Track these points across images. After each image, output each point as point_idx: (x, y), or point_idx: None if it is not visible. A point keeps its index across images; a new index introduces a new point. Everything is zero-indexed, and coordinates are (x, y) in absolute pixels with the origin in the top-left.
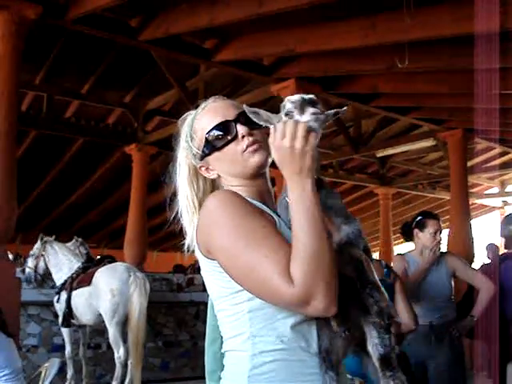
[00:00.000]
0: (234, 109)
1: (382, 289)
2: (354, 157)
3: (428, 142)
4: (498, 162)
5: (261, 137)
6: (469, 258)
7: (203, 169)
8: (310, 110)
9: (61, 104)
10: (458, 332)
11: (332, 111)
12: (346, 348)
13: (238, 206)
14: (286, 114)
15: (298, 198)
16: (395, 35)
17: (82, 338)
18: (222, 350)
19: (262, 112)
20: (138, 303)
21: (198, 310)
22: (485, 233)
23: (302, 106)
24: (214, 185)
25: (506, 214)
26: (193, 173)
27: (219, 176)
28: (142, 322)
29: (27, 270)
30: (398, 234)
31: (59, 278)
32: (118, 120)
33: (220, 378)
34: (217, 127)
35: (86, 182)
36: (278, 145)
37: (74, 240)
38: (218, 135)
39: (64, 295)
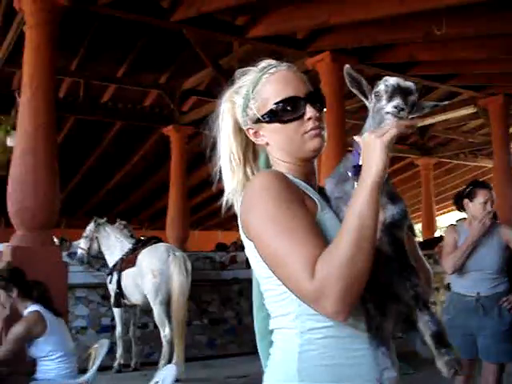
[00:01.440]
0: (305, 85)
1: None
2: None
3: (468, 110)
4: None
5: (323, 121)
6: None
7: (251, 131)
8: (396, 101)
9: (97, 89)
10: (510, 305)
11: (431, 103)
12: (394, 324)
13: (277, 192)
14: (375, 95)
15: (357, 195)
16: (430, 2)
17: (132, 317)
18: (270, 327)
19: (364, 82)
20: (178, 282)
21: (241, 288)
22: None
23: (392, 93)
24: (256, 144)
25: None
26: (237, 128)
27: (267, 144)
28: (182, 301)
29: (80, 251)
30: (441, 205)
31: (111, 260)
32: (154, 102)
33: (272, 343)
34: (287, 100)
35: (125, 165)
36: (381, 157)
37: (117, 223)
38: (286, 109)
39: (115, 276)
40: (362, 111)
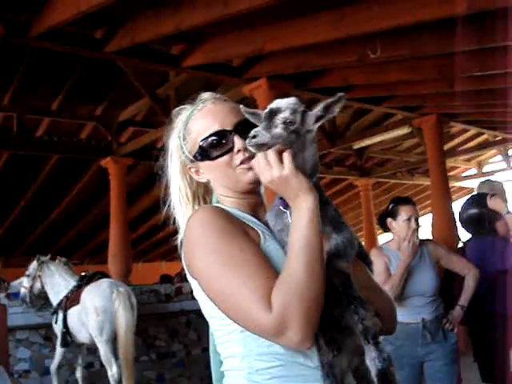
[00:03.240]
0: (233, 115)
1: (369, 305)
2: (331, 150)
3: (403, 130)
4: (473, 143)
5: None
6: (454, 241)
7: (193, 170)
8: (279, 118)
9: (31, 122)
10: (452, 324)
11: (320, 106)
12: (349, 361)
13: (219, 227)
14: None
15: (296, 222)
16: (364, 26)
17: (79, 357)
18: (221, 369)
19: (261, 113)
20: (123, 318)
21: (188, 319)
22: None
23: (270, 117)
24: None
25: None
26: (184, 167)
27: (208, 181)
28: (129, 337)
29: (23, 290)
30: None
31: (56, 298)
32: (91, 134)
33: None
34: (213, 135)
35: (64, 200)
36: (264, 180)
37: (57, 260)
38: (213, 144)
39: (60, 315)
40: None
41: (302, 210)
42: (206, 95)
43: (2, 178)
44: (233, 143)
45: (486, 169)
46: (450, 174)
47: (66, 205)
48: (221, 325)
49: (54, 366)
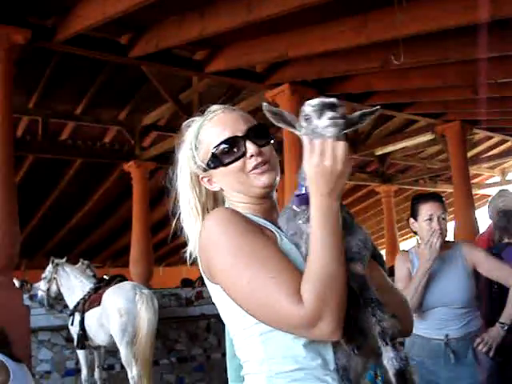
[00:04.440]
0: (243, 122)
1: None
2: (353, 157)
3: (426, 137)
4: (497, 150)
5: (270, 155)
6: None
7: (205, 180)
8: (328, 113)
9: (56, 126)
10: (486, 346)
11: (357, 113)
12: (364, 363)
13: (237, 225)
14: (306, 119)
15: (323, 218)
16: (387, 32)
17: (96, 359)
18: (241, 374)
19: (285, 113)
20: (145, 319)
21: (208, 323)
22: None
23: (321, 109)
24: (216, 192)
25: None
26: (195, 179)
27: (221, 189)
28: (150, 339)
29: (40, 293)
30: (403, 231)
31: (72, 300)
32: (114, 138)
33: None
34: (225, 142)
35: (87, 203)
36: (315, 163)
37: (80, 263)
38: (226, 151)
39: (77, 317)
40: None
41: (331, 208)
42: (214, 107)
43: (26, 181)
44: (245, 149)
45: (509, 176)
46: (474, 181)
47: (88, 208)
48: (241, 329)
49: (84, 377)
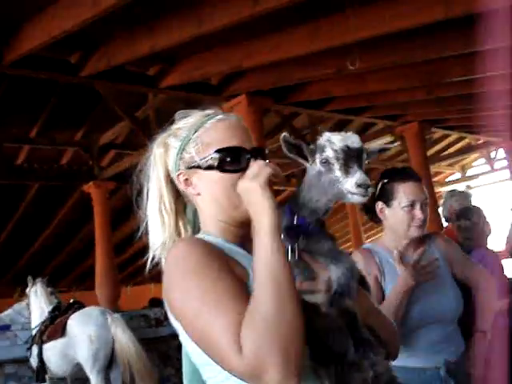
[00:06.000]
0: (249, 139)
1: (378, 348)
2: None
3: (385, 139)
4: (455, 148)
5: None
6: None
7: (182, 178)
8: (357, 177)
9: (11, 150)
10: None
11: (376, 148)
12: None
13: (200, 260)
14: (323, 162)
15: (258, 247)
16: (341, 38)
17: None
18: None
19: (305, 147)
20: (126, 339)
21: (179, 343)
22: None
23: (346, 161)
24: (184, 200)
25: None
26: (168, 175)
27: (199, 194)
28: (142, 358)
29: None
30: (369, 233)
31: (32, 330)
32: (71, 159)
33: None
34: (232, 149)
35: (47, 227)
36: (239, 186)
37: (38, 283)
38: (230, 157)
39: (35, 350)
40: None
41: (265, 230)
42: (225, 113)
43: None
44: (247, 165)
45: (469, 172)
46: (435, 179)
47: (49, 233)
48: (217, 372)
49: None
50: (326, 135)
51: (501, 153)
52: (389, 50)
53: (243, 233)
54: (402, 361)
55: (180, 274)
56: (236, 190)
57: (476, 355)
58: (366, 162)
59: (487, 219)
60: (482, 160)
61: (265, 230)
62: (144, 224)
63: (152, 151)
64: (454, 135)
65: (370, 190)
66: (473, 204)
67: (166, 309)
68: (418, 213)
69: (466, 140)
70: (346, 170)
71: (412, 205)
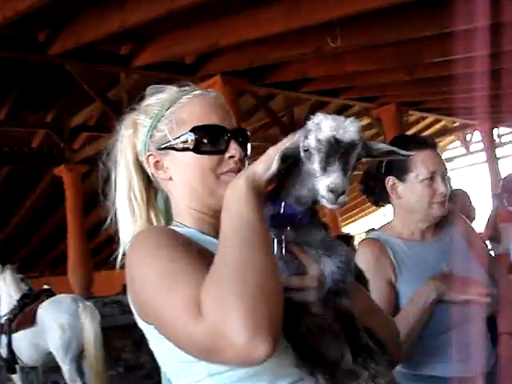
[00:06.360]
0: (231, 119)
1: (380, 355)
2: None
3: (362, 121)
4: (432, 130)
5: (244, 167)
6: None
7: (152, 160)
8: (332, 179)
9: None
10: None
11: (384, 148)
12: None
13: (161, 241)
14: (304, 150)
15: (236, 200)
16: (320, 15)
17: (35, 381)
18: None
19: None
20: (91, 331)
21: None
22: None
23: (328, 155)
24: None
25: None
26: (138, 158)
27: (171, 178)
28: (99, 351)
29: None
30: (345, 216)
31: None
32: (42, 142)
33: None
34: (211, 128)
35: (18, 212)
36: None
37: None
38: (207, 138)
39: (4, 340)
40: (261, 131)
41: (239, 183)
42: (202, 90)
43: None
44: (227, 147)
45: (445, 155)
46: None
47: (20, 217)
48: (191, 382)
49: None
50: (319, 117)
51: (476, 135)
52: (368, 29)
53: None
54: (430, 369)
55: (140, 258)
56: (213, 173)
57: (503, 360)
58: (364, 159)
59: (472, 203)
60: (458, 143)
61: (241, 183)
62: (113, 214)
63: (120, 133)
64: (431, 118)
65: (343, 198)
66: (459, 187)
67: (133, 311)
68: (440, 186)
69: (442, 123)
70: (325, 166)
71: (432, 177)
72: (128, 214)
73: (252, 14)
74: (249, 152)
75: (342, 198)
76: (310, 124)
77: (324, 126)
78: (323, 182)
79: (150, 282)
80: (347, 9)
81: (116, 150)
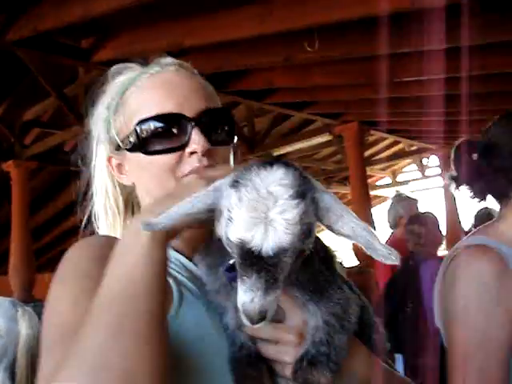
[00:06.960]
0: (198, 97)
1: None
2: (250, 157)
3: (323, 138)
4: (389, 152)
5: (222, 161)
6: None
7: (114, 162)
8: (245, 297)
9: None
10: None
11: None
12: None
13: (72, 267)
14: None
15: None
16: (294, 21)
17: None
18: None
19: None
20: (26, 337)
21: None
22: (379, 224)
23: (242, 265)
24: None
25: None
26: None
27: (134, 184)
28: (28, 359)
29: None
30: None
31: None
32: None
33: None
34: (159, 119)
35: None
36: None
37: None
38: (157, 132)
39: None
40: None
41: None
42: (168, 60)
43: None
44: (188, 139)
45: (400, 178)
46: None
47: None
48: None
49: None
50: (243, 179)
51: (433, 160)
52: (339, 41)
53: (193, 235)
54: None
55: (53, 285)
56: (172, 176)
57: None
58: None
59: (440, 227)
60: (414, 166)
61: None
62: (89, 220)
63: (89, 128)
64: (389, 139)
65: (266, 320)
66: (426, 210)
67: None
68: None
69: (400, 145)
70: (240, 271)
71: None
72: (104, 226)
73: (222, 15)
74: (234, 140)
75: (262, 322)
76: (221, 184)
77: (235, 214)
78: (239, 294)
79: (49, 328)
80: (323, 18)
81: (87, 150)
